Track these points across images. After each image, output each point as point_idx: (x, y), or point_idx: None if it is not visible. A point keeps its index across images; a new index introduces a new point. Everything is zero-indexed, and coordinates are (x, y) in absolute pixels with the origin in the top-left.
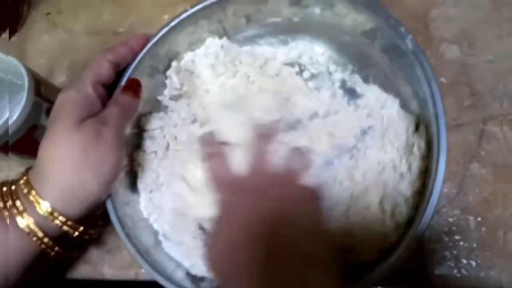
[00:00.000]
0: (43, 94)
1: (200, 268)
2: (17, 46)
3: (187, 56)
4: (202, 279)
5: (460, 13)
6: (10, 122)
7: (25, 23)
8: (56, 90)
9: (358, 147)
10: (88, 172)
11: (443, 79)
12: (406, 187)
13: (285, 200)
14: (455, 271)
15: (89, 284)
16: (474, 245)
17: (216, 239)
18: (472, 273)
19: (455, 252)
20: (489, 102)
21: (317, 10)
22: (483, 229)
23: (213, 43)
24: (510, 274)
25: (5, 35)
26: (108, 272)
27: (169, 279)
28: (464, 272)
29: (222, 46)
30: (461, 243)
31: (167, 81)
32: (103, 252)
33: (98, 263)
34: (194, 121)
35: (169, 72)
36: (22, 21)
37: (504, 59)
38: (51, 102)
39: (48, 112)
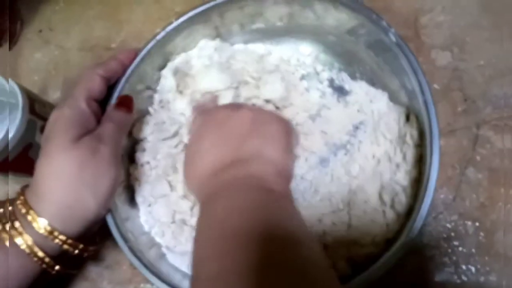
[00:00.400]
0: (37, 112)
1: None
2: (10, 64)
3: (181, 58)
4: None
5: (450, 19)
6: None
7: (18, 41)
8: (50, 107)
9: (351, 142)
10: (85, 189)
11: (435, 85)
12: (403, 177)
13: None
14: (455, 277)
15: None
16: (473, 250)
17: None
18: (472, 279)
19: (454, 258)
20: (481, 106)
21: (299, 12)
22: (481, 234)
23: (206, 45)
24: (509, 278)
25: None
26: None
27: (168, 283)
28: (464, 278)
29: (215, 48)
30: (460, 248)
31: (161, 81)
32: (101, 268)
33: (97, 280)
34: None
35: (164, 72)
36: (15, 39)
37: (495, 63)
38: (45, 120)
39: (42, 129)
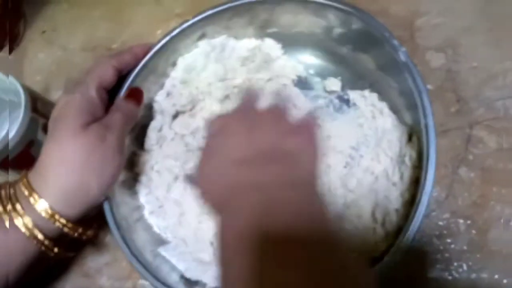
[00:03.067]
0: (40, 110)
1: (194, 272)
2: (13, 64)
3: (184, 60)
4: (196, 282)
5: (445, 21)
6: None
7: (22, 42)
8: (52, 106)
9: (352, 156)
10: (91, 175)
11: (429, 86)
12: (397, 197)
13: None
14: (447, 273)
15: None
16: (465, 247)
17: (205, 169)
18: (464, 276)
19: (446, 255)
20: (474, 107)
21: (311, 20)
22: (473, 231)
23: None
24: (501, 275)
25: (1, 54)
26: (106, 284)
27: (163, 282)
28: (455, 274)
29: (220, 44)
30: (452, 246)
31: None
32: (100, 264)
33: (96, 276)
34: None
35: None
36: (19, 40)
37: (488, 65)
38: (47, 118)
39: (44, 127)
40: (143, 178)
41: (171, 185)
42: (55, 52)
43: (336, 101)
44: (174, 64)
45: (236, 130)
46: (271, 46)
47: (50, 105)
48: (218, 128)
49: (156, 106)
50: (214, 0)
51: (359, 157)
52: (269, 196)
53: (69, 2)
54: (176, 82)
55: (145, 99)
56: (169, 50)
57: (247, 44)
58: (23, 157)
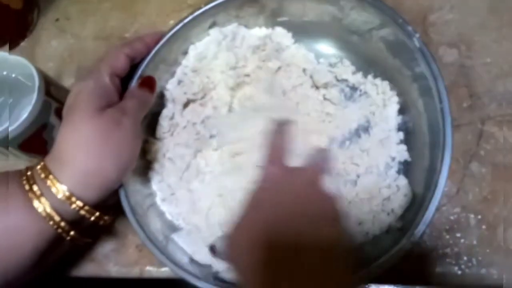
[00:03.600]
0: (53, 94)
1: (205, 257)
2: (27, 51)
3: (196, 48)
4: (207, 266)
5: (458, 17)
6: (21, 120)
7: (35, 29)
8: (65, 91)
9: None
10: (108, 158)
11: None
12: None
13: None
14: (456, 268)
15: (93, 283)
16: (475, 242)
17: (238, 230)
18: (473, 270)
19: (456, 249)
20: (487, 103)
21: (324, 8)
22: (483, 226)
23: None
24: (510, 271)
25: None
26: (113, 270)
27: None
28: (465, 269)
29: (232, 32)
30: (462, 240)
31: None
32: (108, 250)
33: (103, 261)
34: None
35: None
36: (32, 28)
37: (501, 61)
38: (60, 102)
39: (57, 111)
40: (156, 166)
41: (184, 172)
42: (67, 40)
43: (347, 89)
44: (185, 52)
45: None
46: (282, 34)
47: (63, 90)
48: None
49: (167, 94)
50: None
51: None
52: None
53: None
54: (187, 71)
55: (157, 87)
56: (180, 39)
57: (258, 32)
58: (36, 139)
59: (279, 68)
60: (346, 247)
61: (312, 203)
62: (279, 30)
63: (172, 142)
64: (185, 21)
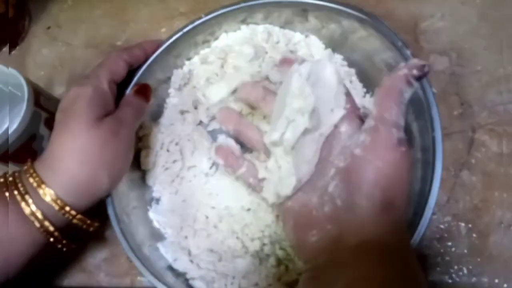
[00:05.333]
0: (43, 105)
1: (180, 263)
2: (17, 59)
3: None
4: (181, 273)
5: (448, 25)
6: (10, 131)
7: (26, 37)
8: (55, 101)
9: None
10: (103, 169)
11: (433, 89)
12: None
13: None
14: (447, 277)
15: None
16: (465, 251)
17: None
18: (464, 279)
19: (446, 258)
20: (477, 111)
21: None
22: (474, 235)
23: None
24: (501, 280)
25: (6, 48)
26: (104, 280)
27: (159, 278)
28: (455, 278)
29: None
30: (452, 249)
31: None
32: (99, 261)
33: (94, 272)
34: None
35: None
36: (23, 35)
37: (491, 69)
38: (50, 113)
39: (47, 122)
40: (146, 173)
41: (174, 180)
42: (59, 48)
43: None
44: (182, 65)
45: None
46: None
47: (53, 100)
48: None
49: (165, 102)
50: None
51: None
52: None
53: (73, 0)
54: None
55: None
56: (178, 47)
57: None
58: (25, 150)
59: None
60: None
61: None
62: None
63: (164, 150)
64: (185, 30)
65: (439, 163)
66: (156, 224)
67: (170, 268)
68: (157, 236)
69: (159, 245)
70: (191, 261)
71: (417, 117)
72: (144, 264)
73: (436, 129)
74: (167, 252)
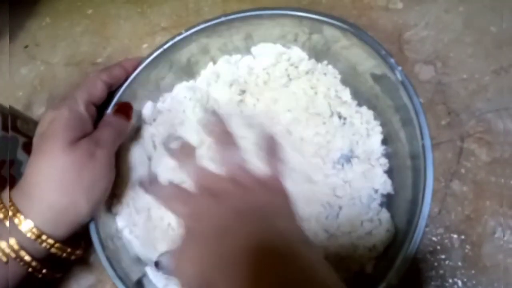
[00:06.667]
0: (19, 129)
1: None
2: None
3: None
4: None
5: (433, 34)
6: None
7: (2, 57)
8: (34, 124)
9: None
10: (81, 194)
11: (420, 100)
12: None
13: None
14: None
15: None
16: (459, 263)
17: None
18: None
19: (440, 271)
20: (465, 120)
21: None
22: (467, 247)
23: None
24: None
25: None
26: None
27: None
28: None
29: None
30: (446, 262)
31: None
32: (85, 287)
33: None
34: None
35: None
36: None
37: (478, 78)
38: (27, 137)
39: (25, 146)
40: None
41: (149, 205)
42: (38, 67)
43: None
44: (163, 78)
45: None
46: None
47: (31, 123)
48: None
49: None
50: (201, 14)
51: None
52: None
53: (51, 16)
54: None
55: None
56: (160, 64)
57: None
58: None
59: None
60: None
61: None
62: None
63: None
64: (165, 46)
65: (430, 170)
66: (135, 248)
67: None
68: (143, 260)
69: (148, 270)
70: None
71: (404, 123)
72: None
73: (424, 135)
74: (156, 277)
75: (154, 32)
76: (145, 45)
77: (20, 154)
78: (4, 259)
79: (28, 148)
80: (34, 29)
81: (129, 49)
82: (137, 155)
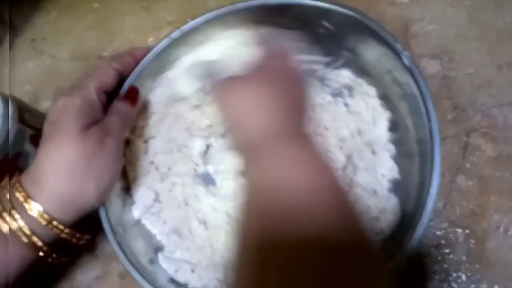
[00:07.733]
0: (27, 121)
1: (181, 274)
2: (1, 74)
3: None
4: (185, 285)
5: (438, 28)
6: None
7: (10, 50)
8: (41, 117)
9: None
10: (90, 181)
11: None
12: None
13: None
14: (446, 284)
15: None
16: (463, 257)
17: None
18: (463, 287)
19: (444, 265)
20: (471, 114)
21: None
22: (472, 241)
23: None
24: (500, 286)
25: None
26: None
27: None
28: (454, 285)
29: None
30: (450, 256)
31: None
32: (91, 279)
33: None
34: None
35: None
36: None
37: (483, 72)
38: (35, 129)
39: (32, 138)
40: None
41: (164, 180)
42: (44, 61)
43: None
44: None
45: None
46: None
47: (39, 116)
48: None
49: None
50: (207, 7)
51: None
52: None
53: (58, 11)
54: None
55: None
56: (168, 53)
57: None
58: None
59: None
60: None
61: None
62: None
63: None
64: (173, 35)
65: (437, 153)
66: (152, 234)
67: (172, 281)
68: (156, 246)
69: (160, 256)
70: (192, 271)
71: (412, 111)
72: (146, 278)
73: (432, 119)
74: (168, 263)
75: (159, 27)
76: (150, 39)
77: (28, 146)
78: (26, 240)
79: (35, 140)
80: (40, 24)
81: (134, 44)
82: None
